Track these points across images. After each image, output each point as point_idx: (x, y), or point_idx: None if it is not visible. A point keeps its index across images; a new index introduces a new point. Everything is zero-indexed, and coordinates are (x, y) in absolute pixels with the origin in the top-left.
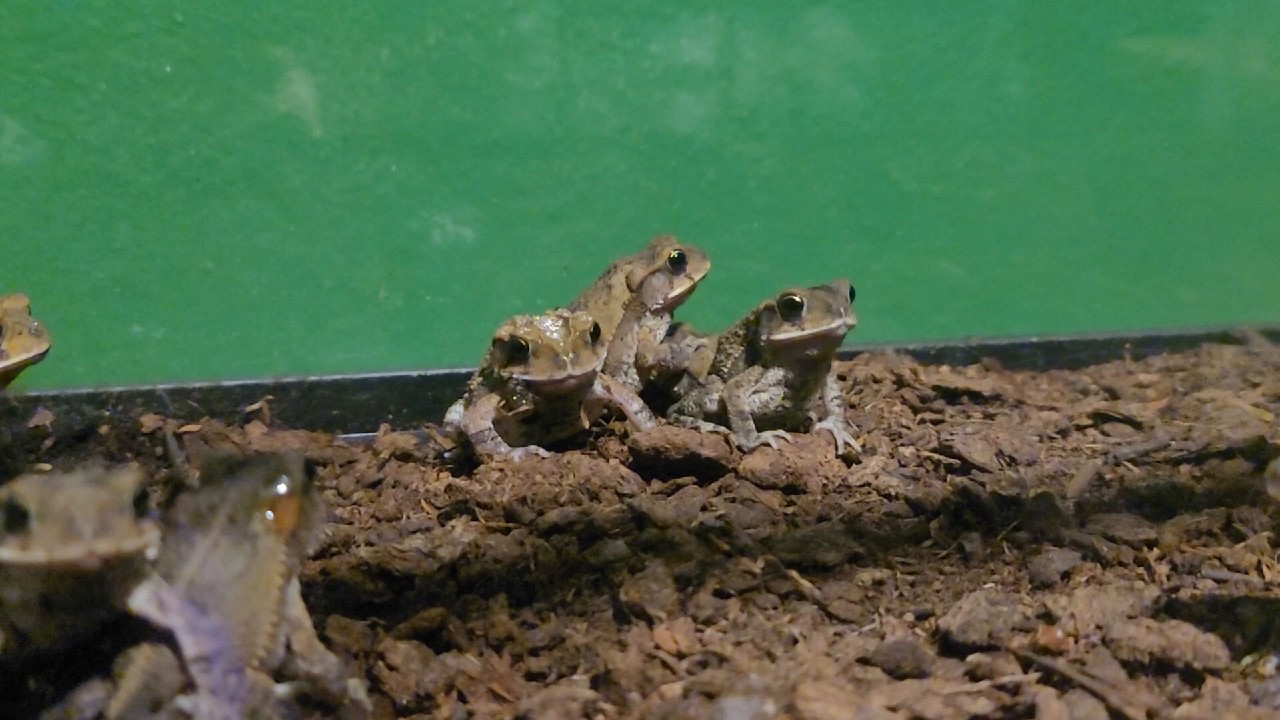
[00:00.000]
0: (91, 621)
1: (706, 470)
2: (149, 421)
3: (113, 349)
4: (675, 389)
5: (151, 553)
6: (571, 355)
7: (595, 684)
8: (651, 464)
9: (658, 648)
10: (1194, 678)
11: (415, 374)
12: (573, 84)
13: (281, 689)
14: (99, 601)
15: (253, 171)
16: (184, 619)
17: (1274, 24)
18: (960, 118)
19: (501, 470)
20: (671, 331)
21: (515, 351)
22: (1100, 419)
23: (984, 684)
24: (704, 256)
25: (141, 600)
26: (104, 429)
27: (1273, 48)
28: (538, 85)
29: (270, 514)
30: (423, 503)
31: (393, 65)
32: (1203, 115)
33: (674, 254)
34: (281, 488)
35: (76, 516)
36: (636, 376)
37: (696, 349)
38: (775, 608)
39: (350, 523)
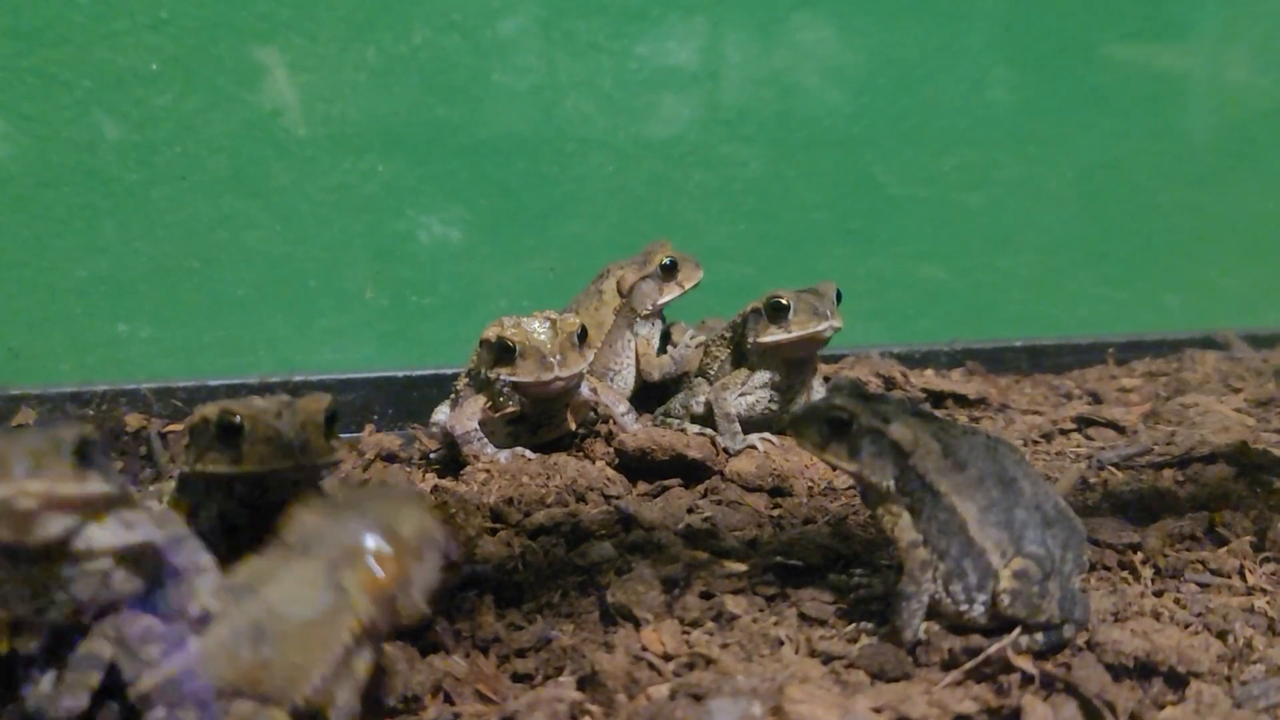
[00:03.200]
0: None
1: (693, 472)
2: (133, 421)
3: (97, 347)
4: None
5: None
6: (558, 357)
7: (582, 685)
8: (638, 465)
9: (644, 649)
10: (1178, 681)
11: (401, 374)
12: (559, 85)
13: None
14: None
15: (239, 170)
16: (151, 518)
17: (1258, 31)
18: (946, 122)
19: (488, 471)
20: (665, 336)
21: (502, 353)
22: (1084, 423)
23: (969, 686)
24: (697, 265)
25: (106, 537)
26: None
27: (1256, 55)
28: (524, 86)
29: (372, 564)
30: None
31: (379, 65)
32: (1187, 122)
33: (666, 260)
34: (388, 546)
35: (11, 461)
36: (626, 381)
37: (696, 346)
38: (761, 610)
39: None
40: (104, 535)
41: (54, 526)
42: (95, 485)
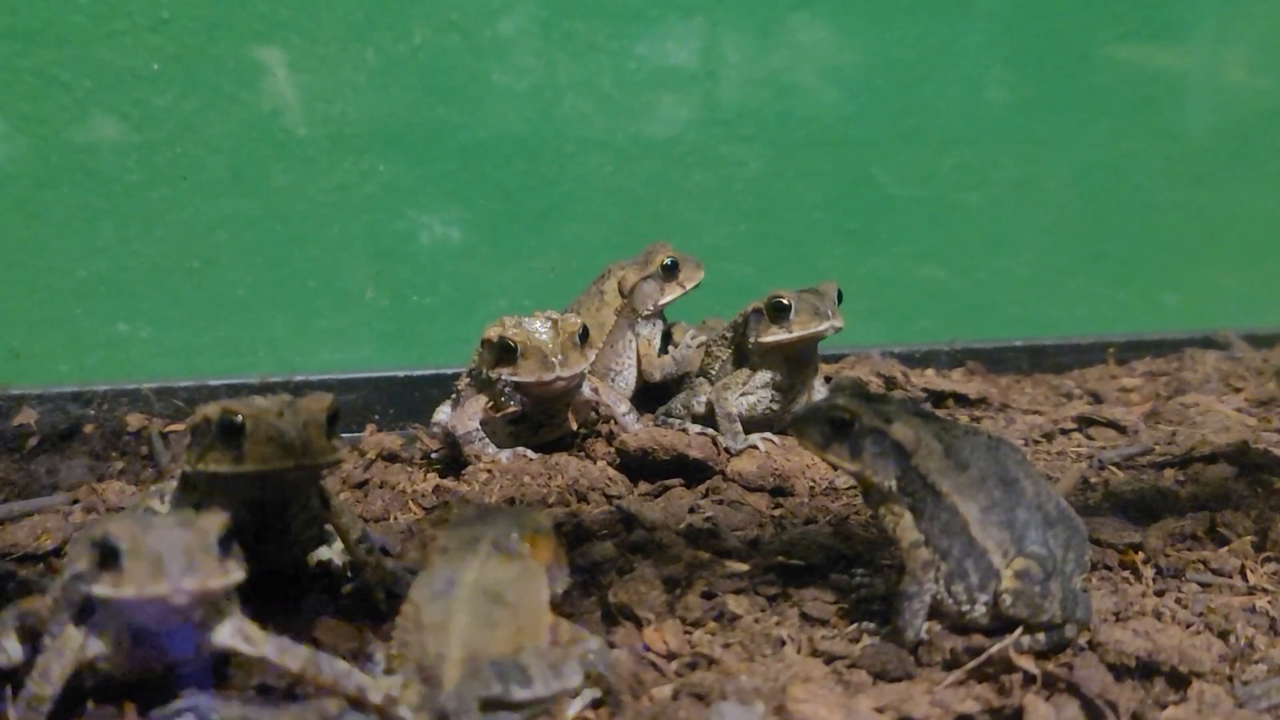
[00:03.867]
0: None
1: (694, 472)
2: (134, 421)
3: (97, 348)
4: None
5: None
6: (560, 357)
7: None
8: (639, 465)
9: (647, 649)
10: (1180, 681)
11: (402, 374)
12: (558, 85)
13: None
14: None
15: (238, 170)
16: (272, 646)
17: (1255, 32)
18: (944, 122)
19: (489, 471)
20: (666, 336)
21: (504, 353)
22: (1085, 423)
23: (970, 686)
24: (698, 265)
25: (226, 635)
26: (89, 428)
27: (1253, 55)
28: (523, 86)
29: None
30: (410, 503)
31: (378, 65)
32: (1185, 121)
33: (667, 261)
34: (539, 525)
35: (165, 556)
36: (628, 382)
37: (698, 346)
38: (763, 610)
39: None
40: (224, 634)
41: (197, 615)
42: (236, 574)
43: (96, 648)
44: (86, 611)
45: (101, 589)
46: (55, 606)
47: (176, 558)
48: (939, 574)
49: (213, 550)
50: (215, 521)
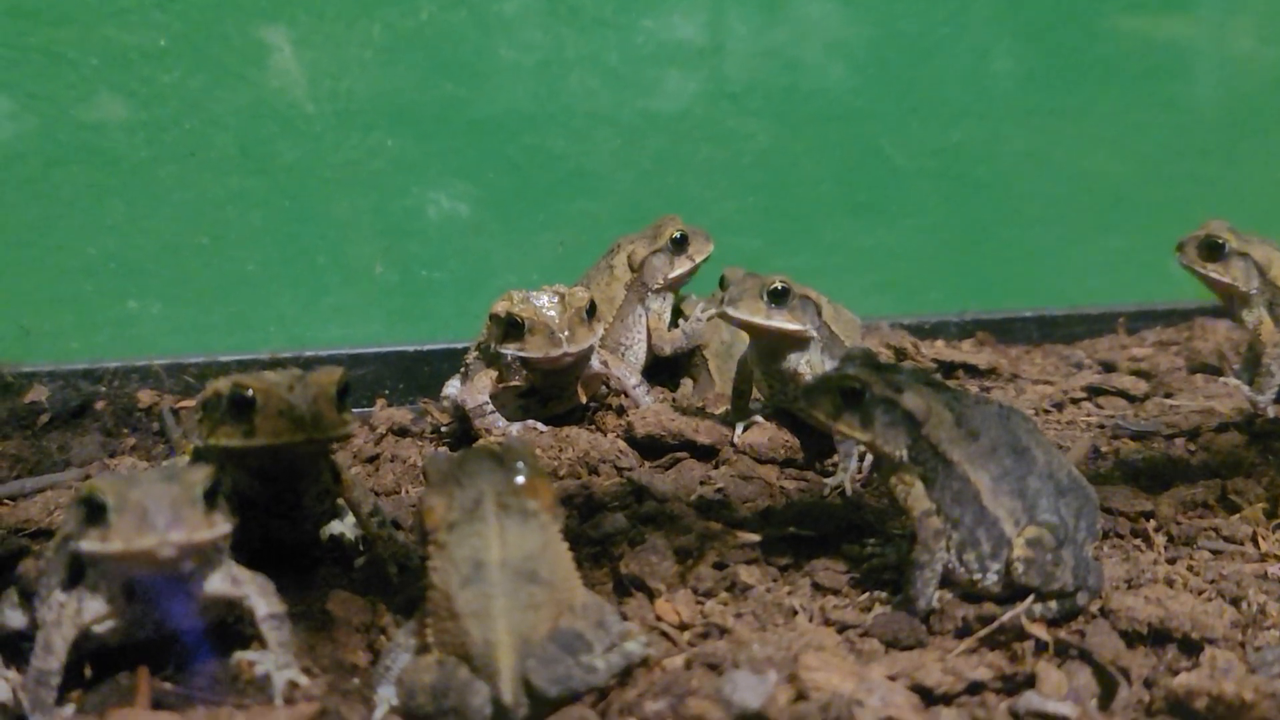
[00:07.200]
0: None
1: (703, 452)
2: (145, 397)
3: (108, 325)
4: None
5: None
6: (566, 333)
7: None
8: (647, 447)
9: (659, 619)
10: (1192, 647)
11: (411, 349)
12: (565, 60)
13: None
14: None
15: (246, 147)
16: (255, 585)
17: (1262, 2)
18: (951, 95)
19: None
20: (677, 310)
21: (511, 328)
22: (1095, 392)
23: (982, 653)
24: (707, 239)
25: (216, 582)
26: (100, 405)
27: (1261, 26)
28: (530, 61)
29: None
30: (421, 477)
31: (385, 41)
32: (1193, 92)
33: (676, 234)
34: (528, 472)
35: (151, 509)
36: (638, 356)
37: (708, 319)
38: (775, 580)
39: None
40: (214, 582)
41: (186, 566)
42: (222, 527)
43: (92, 609)
44: (78, 573)
45: (89, 545)
46: (45, 567)
47: (163, 511)
48: (950, 543)
49: (199, 503)
50: (201, 474)
